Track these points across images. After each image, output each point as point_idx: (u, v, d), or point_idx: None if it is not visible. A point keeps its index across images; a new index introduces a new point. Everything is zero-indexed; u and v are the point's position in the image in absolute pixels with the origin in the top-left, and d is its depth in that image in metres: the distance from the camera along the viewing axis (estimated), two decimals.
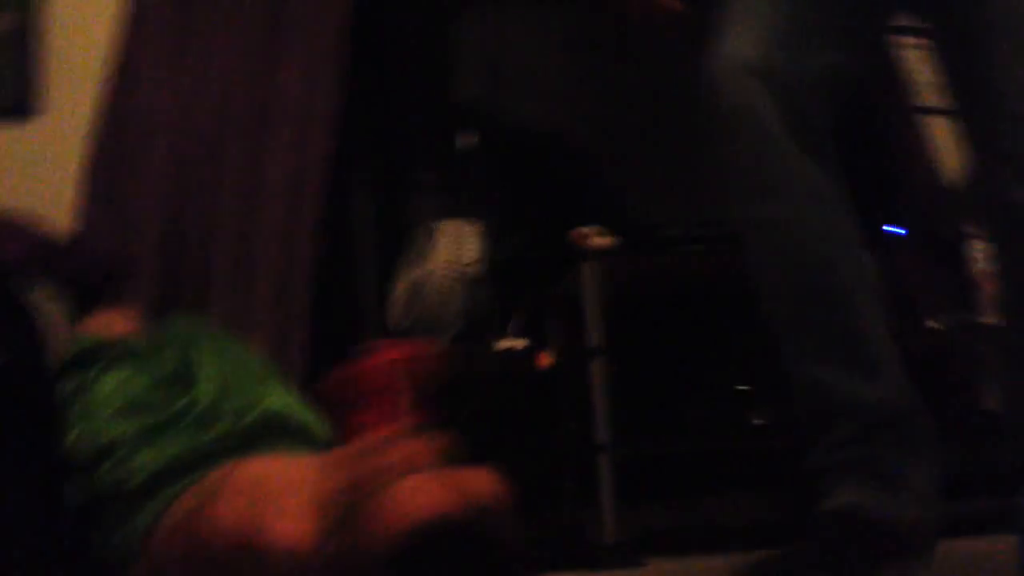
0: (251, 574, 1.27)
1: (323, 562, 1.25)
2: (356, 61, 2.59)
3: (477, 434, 2.35)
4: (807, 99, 1.36)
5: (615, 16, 1.64)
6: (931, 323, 2.26)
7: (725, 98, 1.40)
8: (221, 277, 2.41)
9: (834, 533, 1.29)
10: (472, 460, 1.59)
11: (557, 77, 2.58)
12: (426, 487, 1.22)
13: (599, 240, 2.25)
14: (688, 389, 2.46)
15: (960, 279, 2.28)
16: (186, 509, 1.50)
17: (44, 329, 1.89)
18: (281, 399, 1.94)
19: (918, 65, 2.30)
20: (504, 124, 2.53)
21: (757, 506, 2.32)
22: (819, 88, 1.36)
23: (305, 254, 2.41)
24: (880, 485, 1.29)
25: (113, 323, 2.09)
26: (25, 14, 2.54)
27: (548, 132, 2.54)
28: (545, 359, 2.14)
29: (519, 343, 2.21)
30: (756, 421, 2.18)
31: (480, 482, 1.44)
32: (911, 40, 2.04)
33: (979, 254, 2.27)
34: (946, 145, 2.41)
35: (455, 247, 2.22)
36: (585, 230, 2.25)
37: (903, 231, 2.35)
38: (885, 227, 2.32)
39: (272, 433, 1.81)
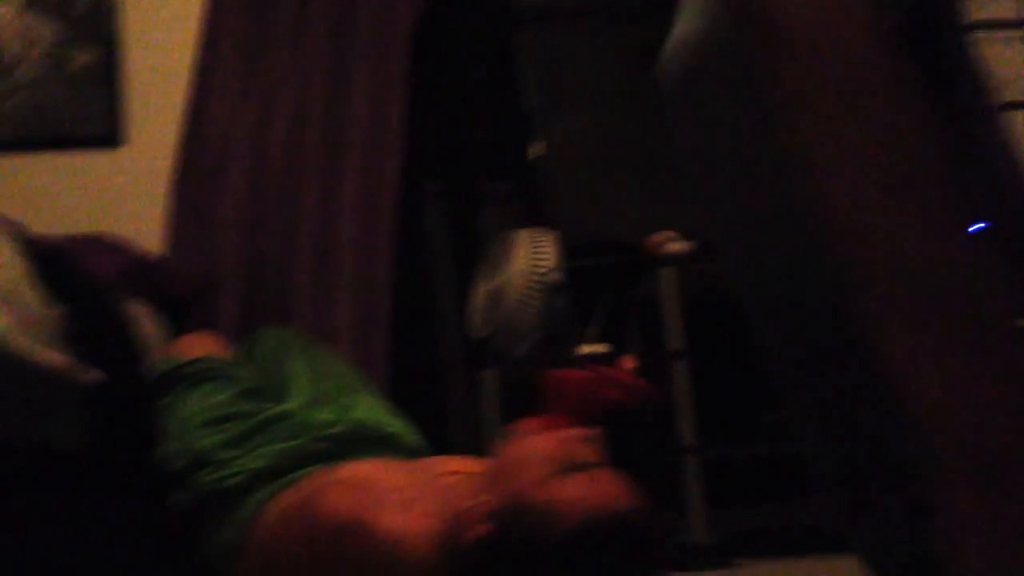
0: (355, 563, 1.30)
1: (436, 560, 1.27)
2: (425, 73, 2.64)
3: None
4: None
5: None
6: (1020, 322, 2.22)
7: None
8: (302, 292, 2.46)
9: None
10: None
11: (621, 88, 2.59)
12: (590, 484, 1.25)
13: (675, 246, 2.26)
14: (776, 390, 2.45)
15: None
16: (290, 502, 1.54)
17: (140, 345, 1.95)
18: (370, 408, 1.98)
19: (1002, 59, 2.28)
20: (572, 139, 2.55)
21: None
22: None
23: (383, 267, 2.45)
24: None
25: (198, 342, 2.15)
26: (108, 47, 2.63)
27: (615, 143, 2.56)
28: (627, 363, 2.14)
29: (600, 348, 2.22)
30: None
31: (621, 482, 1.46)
32: (997, 34, 2.03)
33: None
34: None
35: (532, 255, 2.24)
36: (661, 236, 2.26)
37: (986, 226, 2.32)
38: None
39: (362, 441, 1.84)
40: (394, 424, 1.96)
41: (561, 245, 2.28)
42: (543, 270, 2.23)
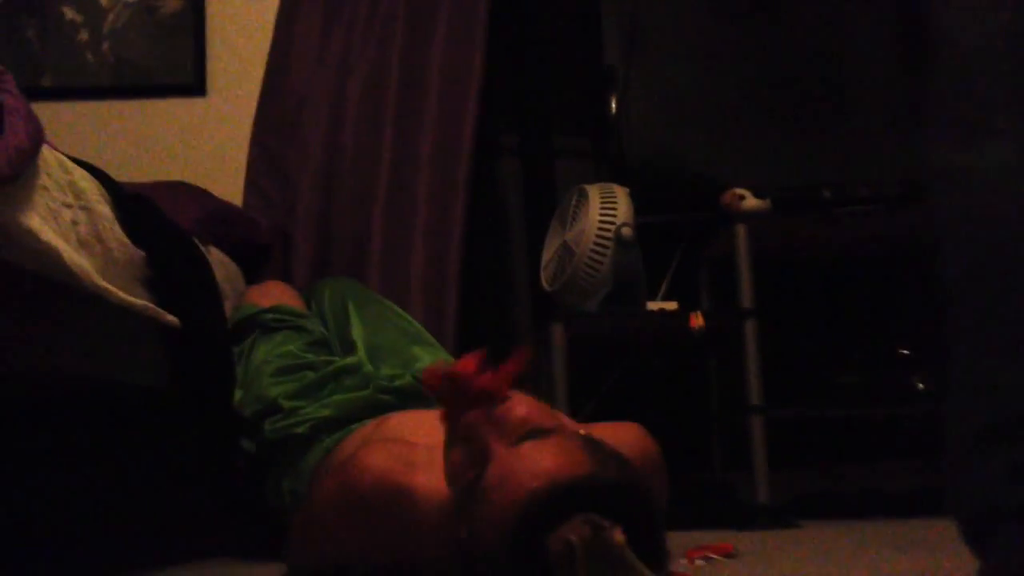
0: (396, 519, 1.30)
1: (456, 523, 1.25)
2: (504, 26, 2.63)
3: (631, 394, 2.39)
4: None
5: None
6: None
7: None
8: (375, 244, 2.50)
9: None
10: (626, 419, 1.61)
11: (700, 40, 2.55)
12: (545, 449, 1.12)
13: (752, 202, 2.23)
14: (846, 352, 2.42)
15: None
16: (344, 455, 1.57)
17: (218, 291, 2.00)
18: (433, 360, 2.00)
19: None
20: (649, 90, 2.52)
21: (916, 474, 2.27)
22: None
23: (457, 220, 2.47)
24: None
25: (272, 291, 2.20)
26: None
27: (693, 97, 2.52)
28: (696, 320, 2.13)
29: (670, 305, 2.21)
30: (919, 386, 2.11)
31: (628, 436, 1.45)
32: None
33: None
34: None
35: (604, 210, 2.23)
36: (738, 191, 2.23)
37: None
38: None
39: (425, 392, 1.87)
40: None
41: (634, 200, 2.26)
42: (615, 225, 2.22)
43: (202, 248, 2.00)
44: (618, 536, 0.44)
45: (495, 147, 2.67)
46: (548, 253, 2.36)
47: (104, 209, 1.51)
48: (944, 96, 1.02)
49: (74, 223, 1.39)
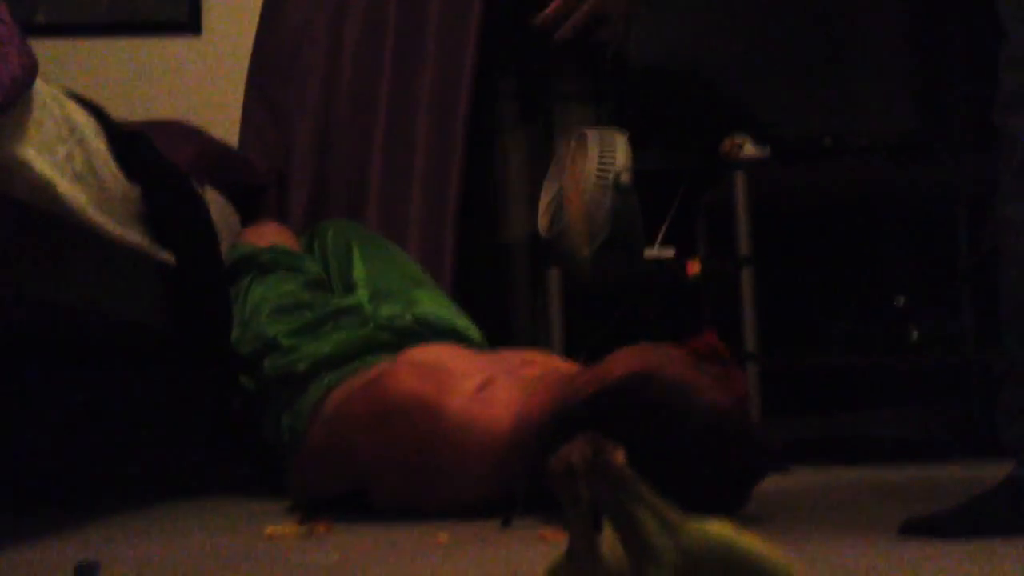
0: (426, 432, 1.40)
1: (504, 450, 1.34)
2: None
3: (627, 340, 2.38)
4: None
5: None
6: None
7: None
8: (373, 185, 2.49)
9: None
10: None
11: None
12: (635, 354, 1.30)
13: (751, 149, 2.21)
14: (841, 301, 2.42)
15: None
16: (358, 383, 1.59)
17: (214, 230, 1.99)
18: (433, 302, 2.01)
19: None
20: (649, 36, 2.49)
21: (910, 422, 2.28)
22: None
23: (455, 163, 2.46)
24: None
25: (268, 232, 2.19)
26: None
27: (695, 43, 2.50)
28: (693, 268, 2.13)
29: (667, 252, 2.21)
30: (913, 335, 2.12)
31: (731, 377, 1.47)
32: None
33: None
34: None
35: (604, 155, 2.21)
36: (738, 139, 2.22)
37: None
38: None
39: (424, 333, 1.88)
40: (457, 319, 1.99)
41: (633, 146, 2.25)
42: (613, 171, 2.20)
43: (197, 187, 1.99)
44: (619, 456, 0.44)
45: (494, 90, 2.65)
46: (545, 198, 2.35)
47: (99, 144, 1.50)
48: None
49: (69, 157, 1.37)
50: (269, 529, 1.39)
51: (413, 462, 1.42)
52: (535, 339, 2.45)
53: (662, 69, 2.49)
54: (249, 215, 2.38)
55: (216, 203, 2.14)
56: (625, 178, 2.22)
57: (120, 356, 2.05)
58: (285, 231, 2.26)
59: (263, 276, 2.01)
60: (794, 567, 0.45)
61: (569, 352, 2.15)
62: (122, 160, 1.55)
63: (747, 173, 2.17)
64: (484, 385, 1.47)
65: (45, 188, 1.28)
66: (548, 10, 1.62)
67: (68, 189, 1.34)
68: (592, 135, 2.27)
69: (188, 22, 2.64)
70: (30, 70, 1.24)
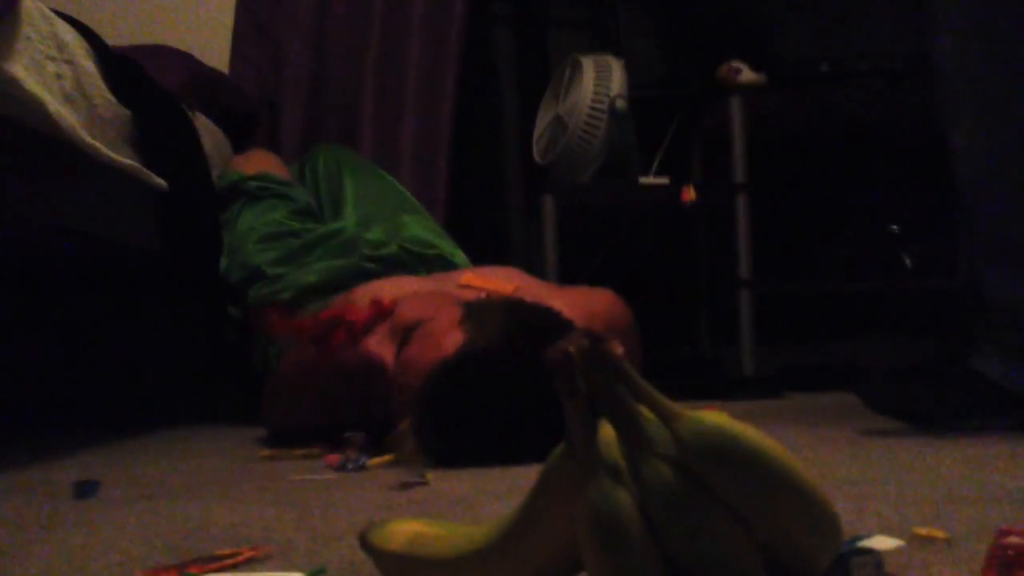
0: (362, 376, 1.42)
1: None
2: None
3: (622, 267, 2.39)
4: None
5: None
6: None
7: None
8: (365, 112, 2.46)
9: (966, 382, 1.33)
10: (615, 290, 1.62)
11: None
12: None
13: (748, 75, 2.19)
14: (835, 228, 2.42)
15: None
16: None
17: (205, 155, 1.98)
18: (421, 230, 2.00)
19: None
20: None
21: (902, 349, 2.30)
22: None
23: (449, 89, 2.43)
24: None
25: (257, 159, 2.17)
26: None
27: None
28: (688, 194, 2.12)
29: (662, 178, 2.20)
30: (907, 262, 2.13)
31: (600, 301, 1.54)
32: None
33: None
34: None
35: (599, 81, 2.19)
36: (734, 64, 2.19)
37: None
38: None
39: (411, 260, 1.88)
40: (443, 244, 1.99)
41: (628, 72, 2.23)
42: (609, 97, 2.19)
43: (188, 113, 1.97)
44: (616, 347, 0.44)
45: (488, 15, 2.61)
46: (541, 125, 2.33)
47: (89, 64, 1.48)
48: None
49: (58, 76, 1.35)
50: (265, 451, 1.40)
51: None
52: (530, 266, 2.45)
53: None
54: (241, 145, 2.36)
55: (208, 130, 2.12)
56: (621, 104, 2.21)
57: (119, 284, 2.04)
58: (274, 159, 2.24)
59: (252, 204, 2.00)
60: (785, 452, 0.45)
61: (564, 280, 2.15)
62: (112, 82, 1.53)
63: (743, 99, 2.15)
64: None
65: (35, 105, 1.27)
66: None
67: (59, 108, 1.32)
68: (588, 61, 2.25)
69: None
70: None
